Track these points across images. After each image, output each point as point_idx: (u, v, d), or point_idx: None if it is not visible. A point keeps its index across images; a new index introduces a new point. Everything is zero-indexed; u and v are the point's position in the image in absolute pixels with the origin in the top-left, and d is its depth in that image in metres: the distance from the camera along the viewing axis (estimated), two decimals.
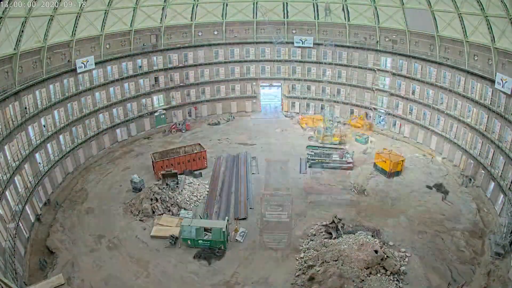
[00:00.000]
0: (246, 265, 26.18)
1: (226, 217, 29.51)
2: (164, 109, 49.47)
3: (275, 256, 27.11)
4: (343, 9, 46.60)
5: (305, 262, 25.44)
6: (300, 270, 25.16)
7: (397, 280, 23.73)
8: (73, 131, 38.33)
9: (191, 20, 48.29)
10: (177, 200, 32.64)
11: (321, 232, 28.41)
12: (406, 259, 26.04)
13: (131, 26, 43.40)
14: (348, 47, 48.28)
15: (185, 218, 29.50)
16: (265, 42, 50.94)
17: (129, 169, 39.21)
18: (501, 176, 30.37)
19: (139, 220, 30.92)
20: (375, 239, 26.47)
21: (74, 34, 36.65)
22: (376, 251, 24.50)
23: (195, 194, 34.27)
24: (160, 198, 32.07)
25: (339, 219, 28.51)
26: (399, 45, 43.66)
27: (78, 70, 38.02)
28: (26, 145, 30.77)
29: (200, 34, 49.62)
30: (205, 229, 27.78)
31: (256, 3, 49.31)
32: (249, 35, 51.26)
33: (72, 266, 26.04)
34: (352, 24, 47.27)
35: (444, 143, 40.04)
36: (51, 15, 32.63)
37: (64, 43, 36.28)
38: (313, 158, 39.36)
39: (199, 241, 27.21)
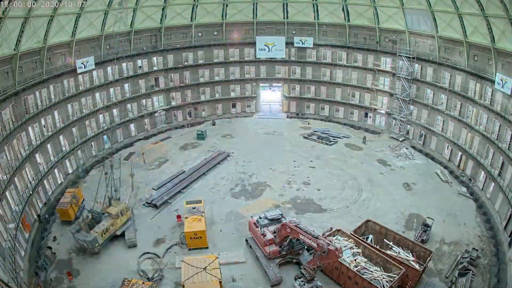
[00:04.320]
0: None
1: None
2: (164, 109, 49.52)
3: None
4: (343, 10, 46.67)
5: None
6: None
7: None
8: (73, 131, 38.32)
9: (191, 21, 48.34)
10: None
11: None
12: None
13: (131, 26, 43.42)
14: (348, 47, 48.35)
15: None
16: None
17: None
18: (500, 175, 30.36)
19: None
20: None
21: (74, 34, 36.67)
22: None
23: None
24: None
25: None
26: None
27: (78, 71, 38.03)
28: (26, 145, 30.75)
29: (200, 34, 49.66)
30: None
31: (256, 3, 49.40)
32: (248, 36, 51.32)
33: (73, 266, 26.06)
34: (352, 25, 47.33)
35: (444, 143, 40.08)
36: (51, 15, 32.64)
37: (64, 43, 36.34)
38: None
39: None
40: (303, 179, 37.27)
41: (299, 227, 22.67)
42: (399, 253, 24.65)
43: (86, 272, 25.59)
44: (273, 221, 26.60)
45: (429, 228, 28.16)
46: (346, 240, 25.61)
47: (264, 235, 25.58)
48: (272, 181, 36.94)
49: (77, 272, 25.49)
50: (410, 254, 24.80)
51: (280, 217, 26.97)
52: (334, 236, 25.96)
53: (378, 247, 25.48)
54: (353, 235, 25.85)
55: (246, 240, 27.83)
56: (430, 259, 24.02)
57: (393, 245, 25.47)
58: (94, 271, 25.60)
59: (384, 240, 26.09)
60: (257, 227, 26.49)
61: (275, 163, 40.42)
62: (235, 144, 45.45)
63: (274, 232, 25.18)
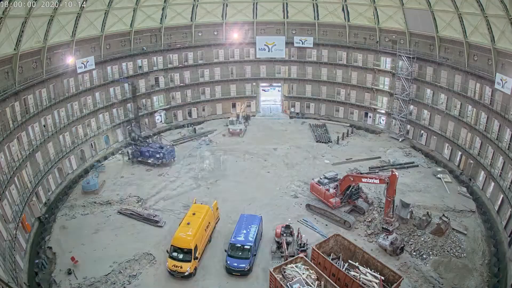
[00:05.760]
0: None
1: None
2: (164, 109, 49.52)
3: None
4: (343, 9, 46.66)
5: None
6: None
7: None
8: (73, 131, 38.32)
9: (191, 21, 48.33)
10: None
11: None
12: None
13: (131, 26, 43.42)
14: (348, 47, 48.34)
15: None
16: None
17: None
18: (500, 176, 30.38)
19: None
20: None
21: (74, 34, 36.67)
22: None
23: None
24: None
25: None
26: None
27: (78, 70, 38.03)
28: (26, 145, 30.77)
29: (200, 34, 49.66)
30: None
31: (256, 3, 49.38)
32: (248, 35, 51.31)
33: (74, 266, 26.08)
34: (352, 24, 47.32)
35: (444, 143, 40.09)
36: (51, 15, 32.65)
37: (64, 43, 36.34)
38: None
39: None
40: None
41: (360, 173, 31.86)
42: (366, 274, 22.14)
43: None
44: (331, 179, 32.05)
45: (409, 206, 29.46)
46: (307, 270, 22.18)
47: (327, 190, 30.82)
48: None
49: None
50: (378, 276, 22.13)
51: (337, 176, 32.69)
52: (295, 264, 22.74)
53: (346, 266, 23.30)
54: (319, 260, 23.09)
55: (308, 205, 32.14)
56: (398, 285, 21.40)
57: (359, 266, 22.94)
58: None
59: (349, 261, 23.63)
60: (319, 185, 31.57)
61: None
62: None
63: (335, 188, 30.56)
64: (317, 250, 23.57)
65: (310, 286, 20.85)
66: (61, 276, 25.24)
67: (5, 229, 23.71)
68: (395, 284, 21.41)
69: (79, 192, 35.48)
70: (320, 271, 21.83)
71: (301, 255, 23.49)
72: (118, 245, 28.33)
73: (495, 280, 24.68)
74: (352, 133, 48.12)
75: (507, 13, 28.63)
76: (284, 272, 21.98)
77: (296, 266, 22.32)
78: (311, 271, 21.89)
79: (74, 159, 38.25)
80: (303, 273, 21.66)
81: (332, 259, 23.62)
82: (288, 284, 20.81)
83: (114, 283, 24.56)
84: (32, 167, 31.12)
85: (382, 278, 21.76)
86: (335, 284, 20.77)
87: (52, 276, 25.23)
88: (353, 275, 21.77)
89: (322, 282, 21.17)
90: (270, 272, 21.84)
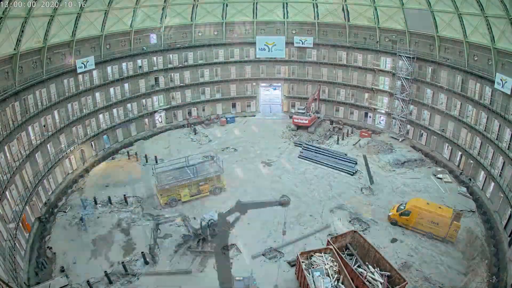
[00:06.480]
0: None
1: None
2: (164, 109, 49.52)
3: None
4: (343, 9, 46.66)
5: None
6: None
7: None
8: (73, 131, 38.32)
9: (191, 21, 48.34)
10: None
11: None
12: None
13: (131, 26, 43.43)
14: (348, 47, 48.36)
15: None
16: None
17: None
18: (500, 176, 30.37)
19: None
20: None
21: (74, 34, 36.68)
22: None
23: None
24: None
25: None
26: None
27: (78, 70, 38.03)
28: (26, 145, 30.78)
29: (200, 34, 49.67)
30: None
31: (256, 3, 49.39)
32: (249, 35, 51.34)
33: (73, 264, 26.08)
34: (352, 25, 47.32)
35: (444, 143, 40.10)
36: (51, 15, 32.64)
37: (64, 43, 36.33)
38: None
39: None
40: None
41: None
42: (373, 273, 22.86)
43: None
44: (303, 109, 48.35)
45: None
46: (332, 262, 23.42)
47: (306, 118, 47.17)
48: None
49: None
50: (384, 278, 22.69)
51: (304, 108, 48.54)
52: (324, 253, 24.08)
53: (357, 262, 24.27)
54: (341, 257, 23.56)
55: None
56: None
57: (369, 265, 23.74)
58: None
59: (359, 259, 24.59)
60: (299, 115, 47.90)
61: None
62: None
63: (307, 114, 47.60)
64: (332, 243, 24.51)
65: (329, 277, 22.06)
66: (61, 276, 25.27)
67: (5, 229, 23.73)
68: (398, 287, 21.80)
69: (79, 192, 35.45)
70: (343, 266, 22.67)
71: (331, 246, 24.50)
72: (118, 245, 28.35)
73: (495, 280, 24.68)
74: (352, 133, 48.22)
75: (507, 13, 28.67)
76: (311, 258, 23.56)
77: (324, 256, 23.76)
78: (335, 264, 23.07)
79: (74, 159, 38.25)
80: (327, 264, 23.01)
81: (348, 254, 24.95)
82: (310, 270, 22.47)
83: (114, 283, 24.59)
84: (32, 167, 31.13)
85: (387, 276, 22.50)
86: (351, 283, 21.40)
87: (52, 276, 25.25)
88: (360, 272, 22.61)
89: (341, 276, 22.25)
90: (297, 255, 23.62)
